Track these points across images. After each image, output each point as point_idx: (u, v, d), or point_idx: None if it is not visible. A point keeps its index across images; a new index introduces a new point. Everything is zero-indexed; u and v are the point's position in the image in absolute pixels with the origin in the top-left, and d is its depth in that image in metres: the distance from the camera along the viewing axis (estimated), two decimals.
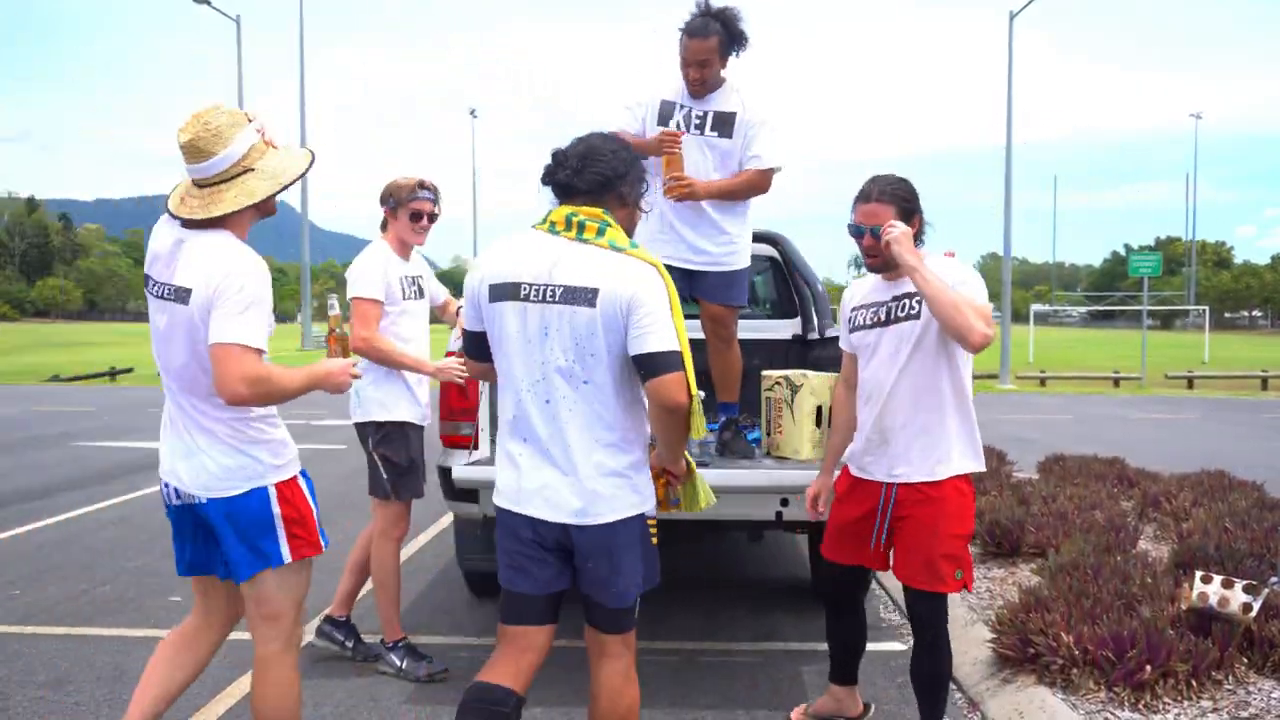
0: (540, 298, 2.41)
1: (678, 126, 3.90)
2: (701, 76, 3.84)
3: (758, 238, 5.93)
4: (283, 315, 71.57)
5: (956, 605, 4.58)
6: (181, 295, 2.46)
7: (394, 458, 3.90)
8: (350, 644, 4.13)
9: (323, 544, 2.65)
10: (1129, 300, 50.21)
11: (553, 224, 2.47)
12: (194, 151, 2.44)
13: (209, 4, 26.57)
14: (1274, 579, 4.25)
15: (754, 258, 6.33)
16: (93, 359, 32.28)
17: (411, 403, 3.94)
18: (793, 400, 4.19)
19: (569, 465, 2.43)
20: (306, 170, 2.56)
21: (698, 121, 3.91)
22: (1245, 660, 3.69)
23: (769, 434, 4.36)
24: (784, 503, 4.00)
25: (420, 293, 4.03)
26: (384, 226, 3.99)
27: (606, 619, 2.54)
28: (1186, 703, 3.42)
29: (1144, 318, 27.76)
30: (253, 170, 2.48)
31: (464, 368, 3.26)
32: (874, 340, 3.08)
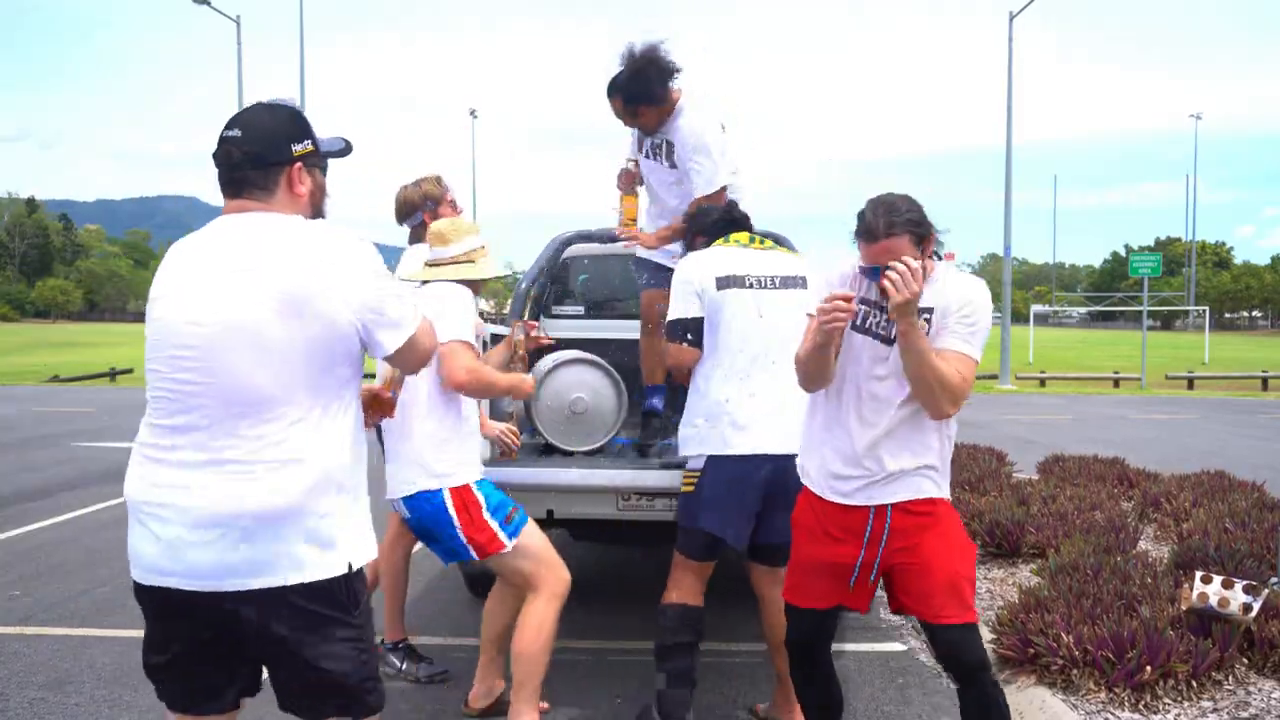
0: (762, 285, 3.24)
1: (646, 154, 4.17)
2: (634, 125, 4.09)
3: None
4: None
5: None
6: None
7: None
8: (405, 666, 3.99)
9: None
10: (1129, 301, 50.19)
11: (738, 241, 3.37)
12: (436, 238, 3.37)
13: (209, 4, 26.55)
14: (1274, 579, 4.25)
15: None
16: (93, 359, 32.27)
17: None
18: None
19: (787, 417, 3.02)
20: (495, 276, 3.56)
21: (655, 148, 4.15)
22: (1245, 661, 3.69)
23: None
24: None
25: None
26: (420, 236, 3.84)
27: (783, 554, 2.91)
28: (1186, 703, 3.42)
29: (1144, 318, 27.75)
30: None
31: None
32: (874, 348, 2.62)
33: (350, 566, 1.94)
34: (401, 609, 4.05)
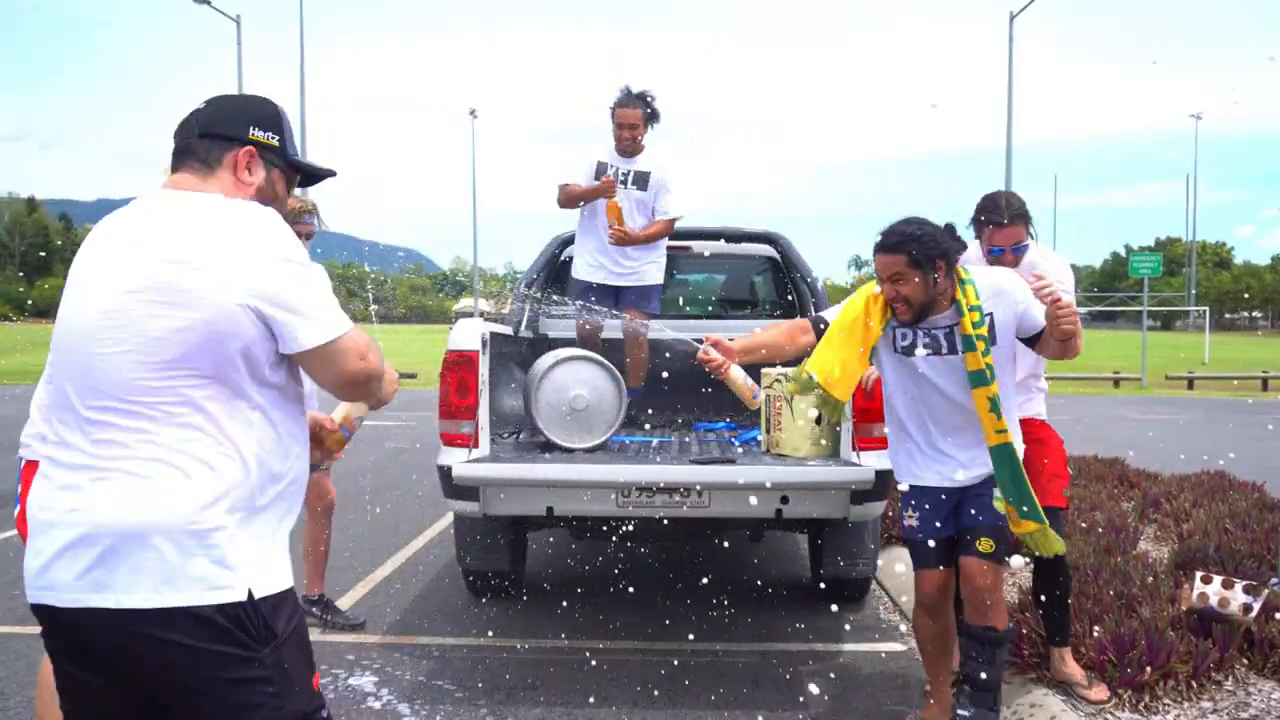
0: None
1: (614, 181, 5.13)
2: (632, 137, 5.16)
3: (758, 238, 5.96)
4: None
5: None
6: None
7: None
8: (326, 616, 4.51)
9: None
10: (1129, 301, 50.13)
11: None
12: None
13: (209, 4, 26.53)
14: (1274, 580, 4.25)
15: (754, 257, 6.40)
16: None
17: None
18: (792, 398, 4.19)
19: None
20: None
21: (623, 177, 5.19)
22: (1245, 661, 3.69)
23: (768, 431, 4.36)
24: (784, 500, 4.00)
25: None
26: None
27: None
28: (1187, 704, 3.42)
29: (1144, 318, 27.74)
30: None
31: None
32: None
33: (250, 594, 1.65)
34: (321, 563, 4.41)
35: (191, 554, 1.62)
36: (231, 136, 1.83)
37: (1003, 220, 3.50)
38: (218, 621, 1.62)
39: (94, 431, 1.65)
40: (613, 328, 5.34)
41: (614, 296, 5.30)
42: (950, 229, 3.19)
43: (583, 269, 5.35)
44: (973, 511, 3.15)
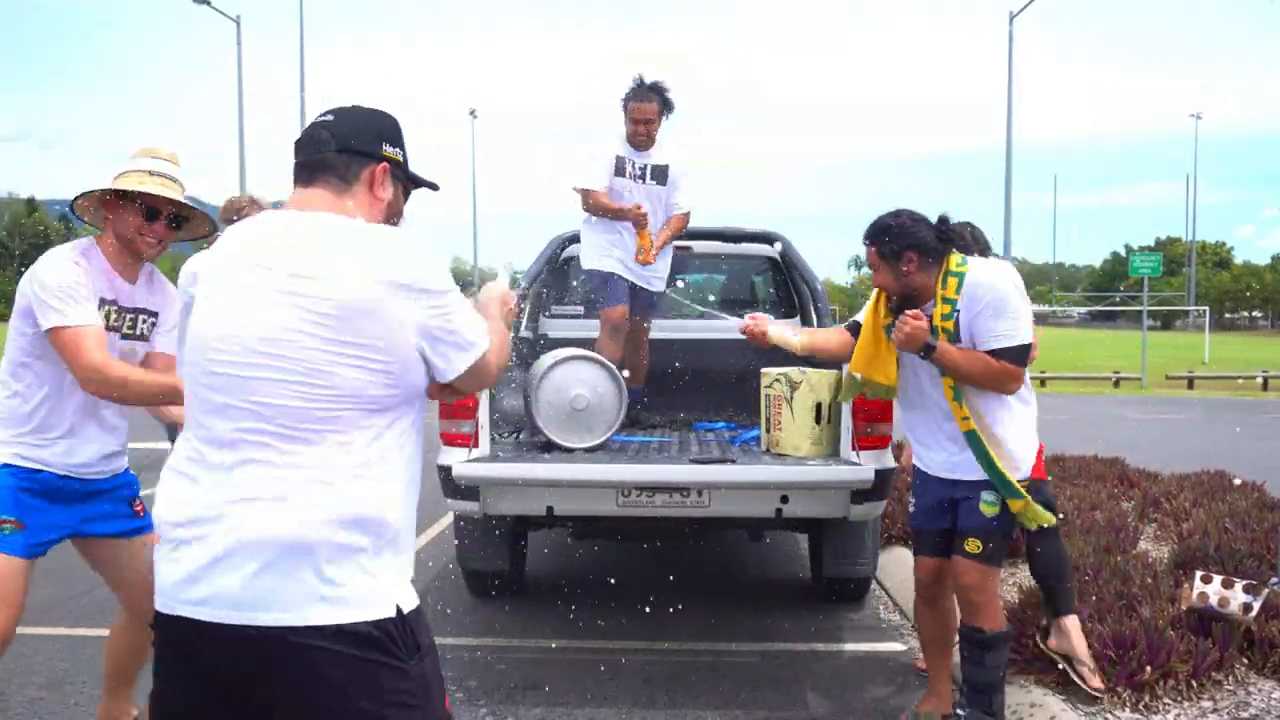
0: None
1: (631, 177, 5.03)
2: (647, 132, 4.95)
3: (758, 237, 5.96)
4: None
5: None
6: None
7: None
8: None
9: None
10: (1129, 300, 50.23)
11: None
12: None
13: (209, 4, 26.55)
14: (1274, 579, 4.25)
15: (754, 257, 6.40)
16: None
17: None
18: (792, 397, 4.19)
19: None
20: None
21: (639, 172, 5.04)
22: (1245, 661, 3.69)
23: (768, 431, 4.36)
24: (784, 499, 4.00)
25: None
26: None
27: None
28: (1187, 703, 3.42)
29: (1144, 318, 27.73)
30: None
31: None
32: None
33: (398, 609, 1.69)
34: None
35: (346, 570, 1.63)
36: (368, 153, 1.83)
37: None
38: (374, 636, 1.64)
39: (245, 450, 1.65)
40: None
41: (630, 290, 5.11)
42: (942, 221, 3.23)
43: (595, 259, 5.11)
44: (962, 514, 3.23)
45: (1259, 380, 24.06)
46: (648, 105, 4.91)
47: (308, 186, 1.81)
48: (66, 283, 2.66)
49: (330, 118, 1.85)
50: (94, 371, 2.63)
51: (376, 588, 1.67)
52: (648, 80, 4.93)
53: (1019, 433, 3.21)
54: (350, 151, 1.81)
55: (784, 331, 3.66)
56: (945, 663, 3.49)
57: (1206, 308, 51.26)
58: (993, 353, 3.06)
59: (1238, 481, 6.84)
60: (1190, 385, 23.70)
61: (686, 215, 5.18)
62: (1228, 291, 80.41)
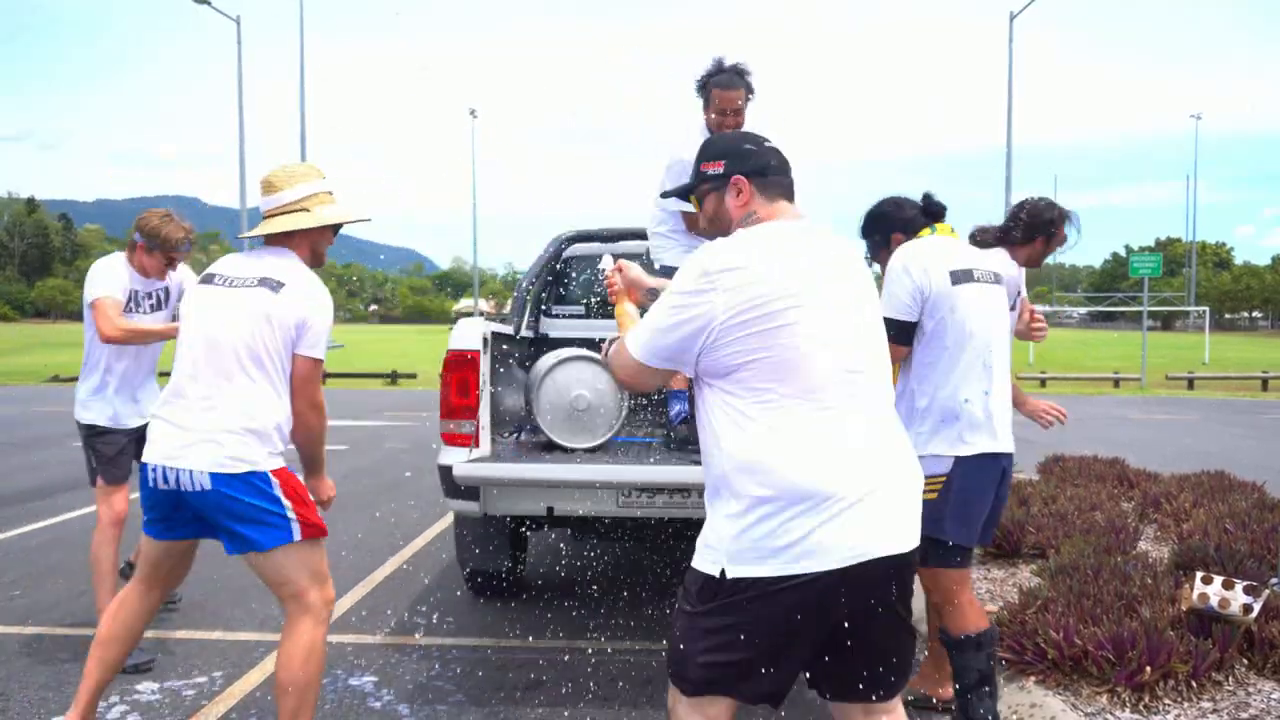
0: (985, 280, 3.17)
1: None
2: (736, 124, 4.25)
3: None
4: None
5: None
6: (270, 284, 2.87)
7: (104, 450, 4.41)
8: None
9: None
10: (1129, 301, 50.21)
11: (943, 233, 3.30)
12: (265, 186, 2.99)
13: (209, 4, 26.57)
14: (1274, 580, 4.25)
15: None
16: None
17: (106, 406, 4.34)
18: None
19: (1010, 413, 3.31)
20: (350, 221, 3.07)
21: None
22: (1245, 661, 3.69)
23: None
24: None
25: (155, 308, 4.36)
26: (131, 250, 4.23)
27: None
28: (1187, 704, 3.42)
29: (1144, 318, 27.76)
30: (308, 211, 2.99)
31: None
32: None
33: None
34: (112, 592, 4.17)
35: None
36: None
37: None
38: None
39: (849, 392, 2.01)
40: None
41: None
42: (926, 199, 3.32)
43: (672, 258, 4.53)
44: None
45: (1259, 380, 24.08)
46: (735, 92, 4.29)
47: (791, 202, 2.25)
48: None
49: (774, 146, 2.28)
50: None
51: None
52: (729, 63, 4.31)
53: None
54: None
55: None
56: (937, 647, 3.54)
57: (1206, 308, 51.25)
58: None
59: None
60: (1190, 386, 23.72)
61: None
62: (1228, 292, 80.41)
